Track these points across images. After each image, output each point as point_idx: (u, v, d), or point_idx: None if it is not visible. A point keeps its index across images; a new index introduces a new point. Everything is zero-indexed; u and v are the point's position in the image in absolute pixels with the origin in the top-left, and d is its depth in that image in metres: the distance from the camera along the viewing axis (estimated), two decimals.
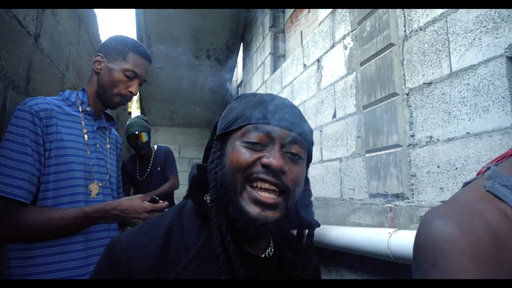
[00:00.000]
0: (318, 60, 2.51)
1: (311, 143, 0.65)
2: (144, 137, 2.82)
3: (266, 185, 0.55)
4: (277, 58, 3.64)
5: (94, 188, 1.14)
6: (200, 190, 0.63)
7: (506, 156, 0.53)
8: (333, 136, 2.25)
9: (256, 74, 4.16)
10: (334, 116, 2.25)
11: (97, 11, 2.76)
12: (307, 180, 0.67)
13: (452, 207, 0.46)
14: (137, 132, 2.79)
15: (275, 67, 3.59)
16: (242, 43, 4.92)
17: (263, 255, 0.63)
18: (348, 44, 2.10)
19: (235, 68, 5.78)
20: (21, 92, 1.34)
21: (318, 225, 0.67)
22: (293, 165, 0.58)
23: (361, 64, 1.91)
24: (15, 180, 0.94)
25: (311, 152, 0.66)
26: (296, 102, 2.83)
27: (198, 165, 0.66)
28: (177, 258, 0.55)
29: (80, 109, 1.19)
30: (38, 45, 1.52)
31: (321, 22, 2.49)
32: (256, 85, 4.11)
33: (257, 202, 0.54)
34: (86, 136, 1.17)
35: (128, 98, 1.25)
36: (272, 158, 0.55)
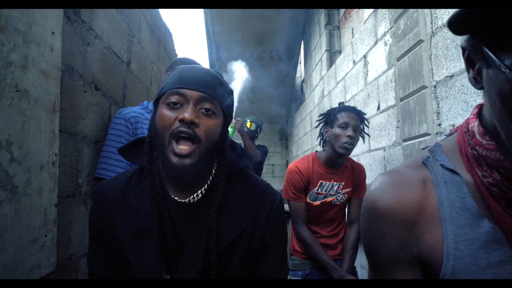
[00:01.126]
0: (364, 56, 2.66)
1: (225, 103, 0.78)
2: (253, 126, 3.36)
3: (183, 135, 0.70)
4: (333, 54, 3.80)
5: None
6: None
7: (456, 131, 0.60)
8: (378, 127, 2.41)
9: (315, 71, 4.37)
10: (378, 108, 2.40)
11: (172, 31, 3.29)
12: (224, 136, 0.80)
13: (391, 178, 0.58)
14: (248, 120, 3.31)
15: (331, 63, 3.76)
16: (302, 41, 5.15)
17: (188, 199, 0.77)
18: (388, 40, 2.24)
19: (298, 65, 6.02)
20: (119, 106, 1.85)
21: (247, 167, 0.86)
22: (206, 118, 0.73)
23: (398, 60, 2.04)
24: (116, 167, 1.40)
25: (227, 110, 0.79)
26: (347, 97, 3.01)
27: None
28: (131, 193, 0.79)
29: None
30: (129, 69, 2.04)
31: (366, 20, 2.63)
32: (315, 81, 4.32)
33: (176, 153, 0.70)
34: None
35: None
36: (186, 113, 0.70)
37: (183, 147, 0.70)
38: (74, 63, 1.36)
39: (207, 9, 4.45)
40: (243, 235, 0.78)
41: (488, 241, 0.50)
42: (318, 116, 1.90)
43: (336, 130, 1.68)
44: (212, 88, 0.75)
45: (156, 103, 0.78)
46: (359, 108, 1.93)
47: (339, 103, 1.84)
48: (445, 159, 0.56)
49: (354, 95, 2.84)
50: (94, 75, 1.53)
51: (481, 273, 0.48)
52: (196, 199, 0.78)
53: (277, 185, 6.98)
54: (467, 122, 0.55)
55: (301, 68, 6.19)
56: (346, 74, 3.07)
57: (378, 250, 0.57)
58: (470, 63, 0.50)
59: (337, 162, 1.76)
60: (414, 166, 0.58)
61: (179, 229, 0.77)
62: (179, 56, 3.52)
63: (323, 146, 1.83)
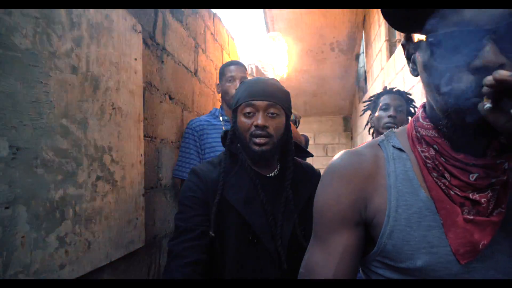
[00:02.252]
0: None
1: (286, 105, 1.05)
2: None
3: (259, 133, 1.00)
4: (393, 44, 3.70)
5: None
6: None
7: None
8: None
9: (376, 61, 4.28)
10: None
11: (235, 37, 3.55)
12: (289, 132, 1.10)
13: (350, 151, 0.69)
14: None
15: (390, 54, 3.67)
16: (363, 32, 5.04)
17: (270, 175, 1.07)
18: None
19: (360, 56, 5.89)
20: (189, 111, 2.15)
21: (311, 155, 1.21)
22: (273, 120, 1.01)
23: None
24: (187, 169, 1.69)
25: (288, 111, 1.07)
26: (406, 88, 2.95)
27: (226, 131, 1.15)
28: (231, 172, 1.04)
29: (221, 118, 1.89)
30: (197, 77, 2.33)
31: None
32: (376, 72, 4.23)
33: (256, 143, 0.99)
34: None
35: None
36: (259, 120, 0.99)
37: (260, 140, 1.00)
38: (153, 79, 1.66)
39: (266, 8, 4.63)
40: (310, 198, 1.03)
41: (422, 208, 0.58)
42: (362, 103, 1.94)
43: (378, 113, 1.73)
44: (274, 95, 1.02)
45: (234, 111, 1.07)
46: (418, 99, 1.91)
47: (383, 88, 1.86)
48: (395, 141, 0.66)
49: (413, 86, 2.78)
50: (168, 87, 1.83)
51: (412, 234, 0.58)
52: (274, 175, 1.08)
53: None
54: (417, 114, 0.66)
55: (363, 58, 6.04)
56: (405, 65, 3.00)
57: (331, 209, 0.64)
58: (408, 58, 0.62)
59: None
60: (370, 146, 0.68)
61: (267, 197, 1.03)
62: (241, 58, 3.79)
63: (372, 135, 1.88)
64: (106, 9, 1.21)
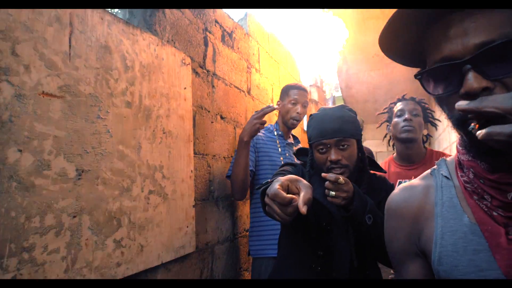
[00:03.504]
0: None
1: (354, 133, 1.15)
2: None
3: (334, 166, 1.13)
4: None
5: None
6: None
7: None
8: None
9: None
10: None
11: (292, 50, 3.67)
12: (362, 152, 1.21)
13: (404, 185, 0.74)
14: None
15: None
16: None
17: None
18: None
19: None
20: (241, 127, 2.33)
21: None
22: (344, 151, 1.13)
23: None
24: None
25: (357, 136, 1.17)
26: None
27: (301, 148, 1.36)
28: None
29: (275, 133, 2.03)
30: (250, 96, 2.51)
31: None
32: None
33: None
34: (279, 149, 2.00)
35: (297, 118, 1.99)
36: (331, 155, 1.12)
37: (337, 171, 1.12)
38: (203, 103, 1.88)
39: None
40: (381, 203, 1.11)
41: (466, 232, 0.60)
42: (377, 115, 1.94)
43: (394, 120, 1.70)
44: (342, 130, 1.13)
45: (310, 146, 1.22)
46: None
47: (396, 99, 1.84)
48: (444, 169, 0.69)
49: None
50: (219, 108, 2.04)
51: (459, 259, 0.59)
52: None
53: None
54: (457, 141, 0.68)
55: None
56: None
57: (392, 244, 0.72)
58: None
59: (410, 154, 1.73)
60: (423, 177, 0.73)
61: None
62: (301, 72, 3.87)
63: (393, 146, 1.83)
64: (157, 49, 1.45)
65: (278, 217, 0.71)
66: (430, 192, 0.68)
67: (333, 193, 1.04)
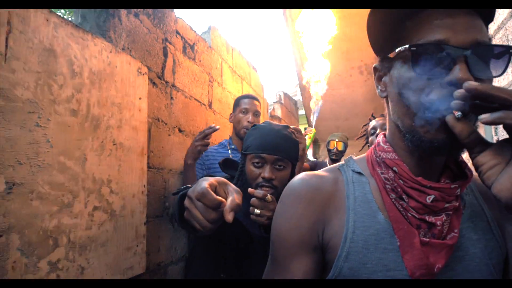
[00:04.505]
0: None
1: (293, 157, 1.11)
2: (341, 146, 3.36)
3: (265, 184, 1.08)
4: None
5: None
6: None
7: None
8: None
9: None
10: None
11: (257, 65, 3.70)
12: (293, 174, 1.13)
13: (310, 173, 0.70)
14: (337, 140, 3.37)
15: None
16: None
17: None
18: None
19: None
20: None
21: None
22: (279, 172, 1.09)
23: None
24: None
25: (295, 161, 1.14)
26: None
27: (226, 159, 1.27)
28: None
29: (228, 147, 1.98)
30: (211, 109, 2.46)
31: None
32: None
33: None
34: None
35: (248, 127, 1.91)
36: (265, 172, 1.07)
37: (264, 190, 1.06)
38: (160, 114, 1.80)
39: (293, 31, 4.75)
40: None
41: (379, 230, 0.59)
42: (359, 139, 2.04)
43: (370, 138, 1.87)
44: (283, 149, 1.09)
45: (244, 155, 1.15)
46: None
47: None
48: (355, 166, 0.69)
49: None
50: (177, 120, 1.97)
51: (369, 257, 0.58)
52: None
53: None
54: (377, 140, 0.68)
55: None
56: None
57: (291, 233, 0.63)
58: (379, 79, 0.65)
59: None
60: (330, 170, 0.70)
61: None
62: (265, 87, 3.90)
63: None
64: (110, 56, 1.37)
65: (198, 224, 0.58)
66: (340, 185, 0.66)
67: (258, 211, 0.97)
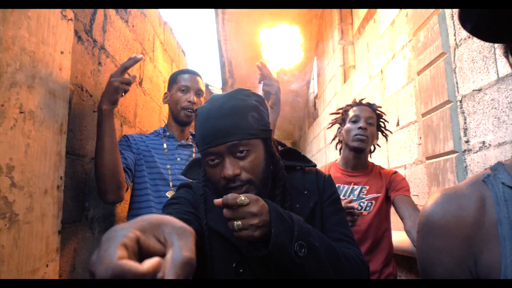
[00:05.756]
0: (381, 71, 2.57)
1: (256, 130, 0.76)
2: None
3: (233, 185, 0.74)
4: (348, 69, 3.74)
5: (170, 194, 1.46)
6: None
7: None
8: (397, 144, 2.30)
9: (329, 86, 4.30)
10: (398, 124, 2.30)
11: (186, 52, 3.30)
12: (272, 154, 0.82)
13: (447, 194, 0.56)
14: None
15: (345, 79, 3.69)
16: (316, 57, 5.11)
17: None
18: (406, 54, 2.16)
19: (312, 81, 5.98)
20: (130, 125, 1.81)
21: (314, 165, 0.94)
22: (243, 160, 0.74)
23: (418, 74, 1.96)
24: None
25: (262, 134, 0.78)
26: None
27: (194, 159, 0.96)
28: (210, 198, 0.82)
29: (162, 135, 1.56)
30: (141, 88, 2.01)
31: (382, 34, 2.57)
32: (329, 97, 4.24)
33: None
34: (166, 155, 1.52)
35: (190, 107, 1.54)
36: (225, 169, 0.73)
37: (237, 192, 0.73)
38: (85, 82, 1.33)
39: (220, 26, 4.48)
40: (316, 206, 0.85)
41: None
42: (330, 115, 1.83)
43: (348, 125, 1.60)
44: (234, 129, 0.74)
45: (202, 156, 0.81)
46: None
47: (353, 101, 1.74)
48: (506, 177, 0.53)
49: None
50: None
51: None
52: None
53: None
54: None
55: (313, 84, 6.14)
56: (362, 89, 2.98)
57: (434, 268, 0.54)
58: None
59: (355, 162, 1.61)
60: (473, 183, 0.56)
61: None
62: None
63: (339, 150, 1.74)
64: None
65: None
66: (488, 204, 0.52)
67: (239, 222, 0.64)
